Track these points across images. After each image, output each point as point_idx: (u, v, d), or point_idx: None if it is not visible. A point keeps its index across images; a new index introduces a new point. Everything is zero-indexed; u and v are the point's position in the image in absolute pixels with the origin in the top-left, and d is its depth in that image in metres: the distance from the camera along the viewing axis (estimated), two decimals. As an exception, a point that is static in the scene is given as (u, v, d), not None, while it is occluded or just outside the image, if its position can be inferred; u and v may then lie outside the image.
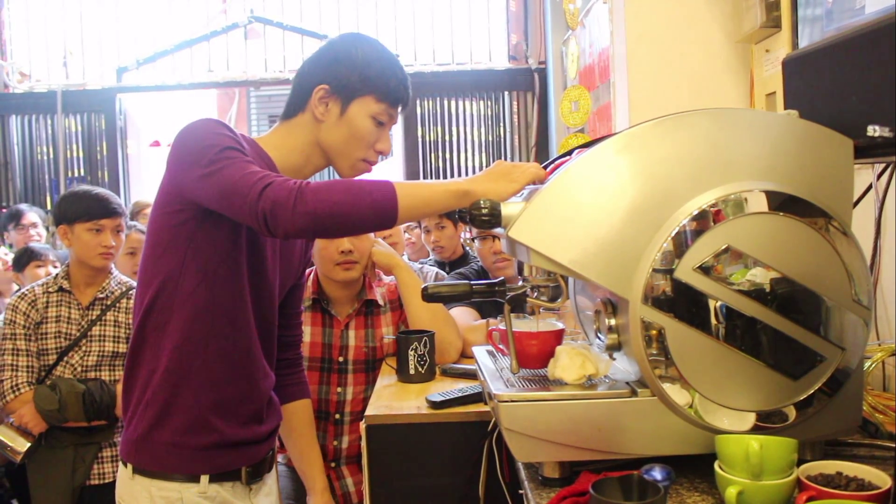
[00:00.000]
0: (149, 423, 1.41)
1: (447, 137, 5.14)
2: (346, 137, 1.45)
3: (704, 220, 1.17)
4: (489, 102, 5.14)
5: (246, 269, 1.42)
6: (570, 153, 1.39)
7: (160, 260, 1.39)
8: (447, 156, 5.15)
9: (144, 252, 1.43)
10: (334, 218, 1.21)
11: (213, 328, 1.40)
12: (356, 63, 1.43)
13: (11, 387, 2.35)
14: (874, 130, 1.15)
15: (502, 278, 1.49)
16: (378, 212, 1.22)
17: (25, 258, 3.16)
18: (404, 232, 4.00)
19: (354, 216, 1.22)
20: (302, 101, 1.47)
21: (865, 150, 1.22)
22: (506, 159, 5.12)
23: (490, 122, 5.15)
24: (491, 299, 1.46)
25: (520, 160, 5.10)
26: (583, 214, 1.18)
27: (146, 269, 1.42)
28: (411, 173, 5.09)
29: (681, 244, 1.16)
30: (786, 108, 1.37)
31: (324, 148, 1.47)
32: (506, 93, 5.12)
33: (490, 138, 5.15)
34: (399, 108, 1.49)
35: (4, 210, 4.84)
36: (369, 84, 1.43)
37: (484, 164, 5.14)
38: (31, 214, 4.05)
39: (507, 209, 1.20)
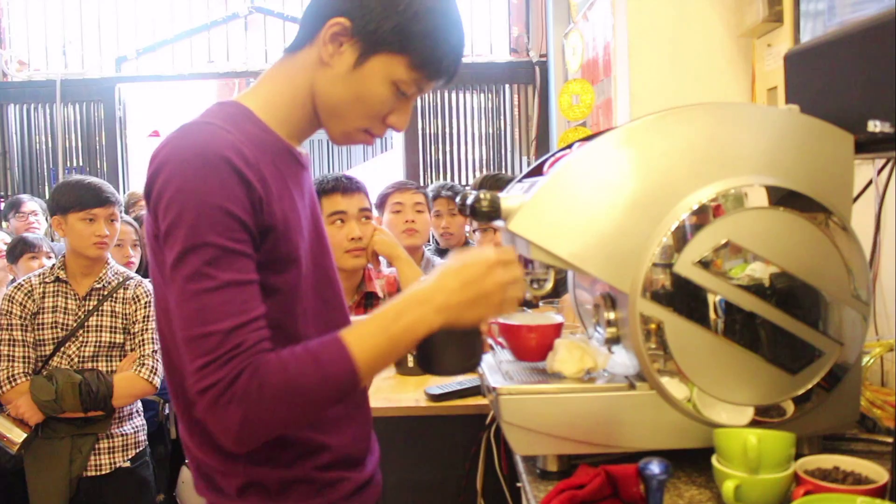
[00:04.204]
0: None
1: (447, 130, 5.13)
2: (349, 98, 1.08)
3: (704, 215, 1.16)
4: (490, 95, 5.12)
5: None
6: (569, 146, 1.39)
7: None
8: (447, 148, 5.14)
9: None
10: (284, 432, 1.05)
11: None
12: (398, 7, 1.03)
13: (7, 377, 2.34)
14: (875, 125, 1.15)
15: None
16: (341, 402, 1.04)
17: (19, 249, 3.15)
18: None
19: (305, 422, 1.07)
20: (311, 30, 1.08)
21: (866, 146, 1.22)
22: (506, 153, 5.13)
23: (491, 115, 5.13)
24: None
25: (520, 153, 5.10)
26: (583, 208, 1.18)
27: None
28: (411, 165, 5.08)
29: (680, 238, 1.16)
30: (787, 103, 1.37)
31: (317, 101, 1.11)
32: (506, 86, 5.10)
33: (490, 131, 5.14)
34: (439, 82, 1.12)
35: (3, 200, 4.84)
36: (407, 42, 1.04)
37: (484, 158, 5.13)
38: (31, 203, 4.05)
39: (507, 203, 1.19)
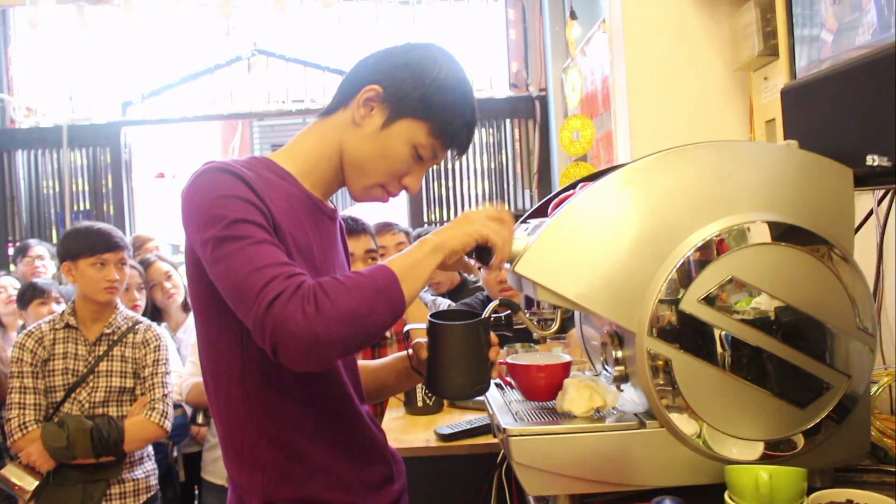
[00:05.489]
0: None
1: (450, 166, 5.17)
2: (374, 155, 1.23)
3: (708, 252, 1.18)
4: (491, 130, 5.17)
5: None
6: (573, 186, 1.41)
7: (208, 326, 1.23)
8: (450, 184, 5.18)
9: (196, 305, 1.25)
10: (354, 342, 1.08)
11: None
12: (425, 81, 1.21)
13: (19, 425, 2.35)
14: (873, 160, 1.17)
15: (508, 312, 1.49)
16: (394, 313, 1.09)
17: (29, 295, 3.17)
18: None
19: (372, 331, 1.09)
20: (346, 96, 1.25)
21: (865, 179, 1.23)
22: (508, 186, 5.17)
23: (492, 150, 5.18)
24: (498, 332, 1.46)
25: (522, 187, 5.14)
26: (588, 248, 1.19)
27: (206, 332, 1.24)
28: (415, 201, 5.11)
29: (685, 276, 1.17)
30: (785, 138, 1.39)
31: (344, 157, 1.25)
32: (507, 120, 5.16)
33: (493, 166, 5.18)
34: (450, 152, 1.29)
35: (11, 245, 4.87)
36: (429, 111, 1.21)
37: (486, 192, 5.18)
38: (39, 248, 4.08)
39: (512, 245, 1.21)
